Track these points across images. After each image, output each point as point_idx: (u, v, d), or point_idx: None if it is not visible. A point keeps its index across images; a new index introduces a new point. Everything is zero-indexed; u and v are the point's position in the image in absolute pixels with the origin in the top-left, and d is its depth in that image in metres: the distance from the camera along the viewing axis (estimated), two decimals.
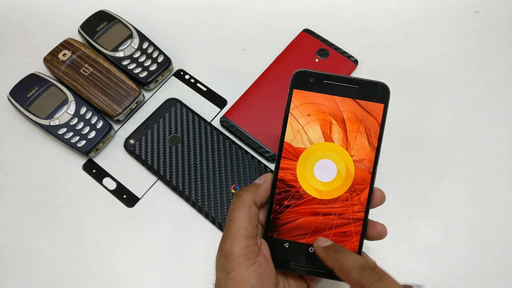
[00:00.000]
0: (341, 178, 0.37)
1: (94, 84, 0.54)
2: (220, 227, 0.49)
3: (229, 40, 0.61)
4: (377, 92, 0.37)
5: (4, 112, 0.56)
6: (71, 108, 0.53)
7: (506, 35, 0.61)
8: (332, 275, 0.36)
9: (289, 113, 0.37)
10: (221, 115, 0.55)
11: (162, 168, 0.51)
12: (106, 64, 0.55)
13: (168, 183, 0.51)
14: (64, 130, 0.52)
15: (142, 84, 0.56)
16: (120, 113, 0.53)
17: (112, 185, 0.52)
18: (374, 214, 0.37)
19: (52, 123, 0.52)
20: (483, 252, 0.49)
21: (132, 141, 0.53)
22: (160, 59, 0.56)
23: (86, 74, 0.54)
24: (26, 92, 0.53)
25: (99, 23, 0.57)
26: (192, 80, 0.58)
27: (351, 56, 0.58)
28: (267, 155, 0.52)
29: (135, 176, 0.52)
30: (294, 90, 0.37)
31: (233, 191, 0.50)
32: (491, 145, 0.54)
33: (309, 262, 0.37)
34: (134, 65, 0.56)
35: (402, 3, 0.63)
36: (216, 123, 0.55)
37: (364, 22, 0.62)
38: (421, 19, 0.62)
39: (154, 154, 0.52)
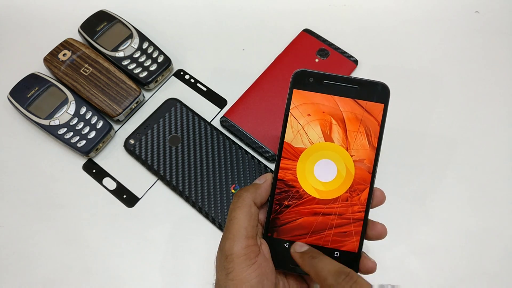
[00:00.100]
0: (341, 178, 0.37)
1: (94, 84, 0.54)
2: (220, 227, 0.49)
3: (229, 40, 0.61)
4: (377, 92, 0.37)
5: (4, 112, 0.56)
6: (71, 108, 0.53)
7: (506, 35, 0.61)
8: None
9: (289, 113, 0.37)
10: (221, 115, 0.55)
11: (162, 168, 0.51)
12: (106, 64, 0.55)
13: (168, 183, 0.51)
14: (64, 130, 0.52)
15: (142, 84, 0.56)
16: (120, 113, 0.53)
17: (112, 185, 0.52)
18: (374, 214, 0.37)
19: (52, 123, 0.52)
20: (483, 252, 0.49)
21: (132, 141, 0.53)
22: (160, 59, 0.56)
23: (86, 74, 0.54)
24: (26, 92, 0.53)
25: (99, 23, 0.57)
26: (192, 80, 0.58)
27: (351, 56, 0.58)
28: (267, 155, 0.52)
29: (135, 176, 0.52)
30: (294, 90, 0.37)
31: (233, 191, 0.50)
32: (491, 145, 0.54)
33: None
34: (134, 65, 0.56)
35: (402, 3, 0.63)
36: (216, 123, 0.55)
37: (364, 22, 0.62)
38: (421, 19, 0.62)
39: (154, 154, 0.52)
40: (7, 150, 0.54)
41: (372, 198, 0.37)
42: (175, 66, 0.59)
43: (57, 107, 0.52)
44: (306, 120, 0.37)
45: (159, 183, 0.52)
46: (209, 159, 0.52)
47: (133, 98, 0.54)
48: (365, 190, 0.37)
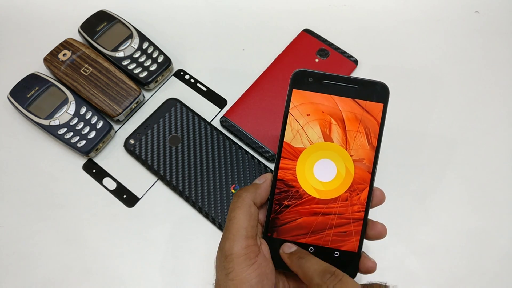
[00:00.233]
0: (341, 178, 0.37)
1: (94, 84, 0.54)
2: (220, 227, 0.49)
3: (229, 40, 0.61)
4: (376, 92, 0.37)
5: (4, 112, 0.56)
6: (71, 108, 0.53)
7: (506, 35, 0.61)
8: None
9: (289, 113, 0.37)
10: (221, 115, 0.55)
11: (162, 168, 0.51)
12: (106, 64, 0.55)
13: (168, 183, 0.51)
14: (64, 130, 0.52)
15: (142, 84, 0.56)
16: (120, 113, 0.53)
17: (112, 185, 0.52)
18: (374, 214, 0.37)
19: (52, 123, 0.52)
20: (483, 252, 0.49)
21: (132, 141, 0.53)
22: (160, 59, 0.56)
23: (86, 74, 0.54)
24: (26, 92, 0.53)
25: (99, 23, 0.57)
26: (192, 80, 0.58)
27: (351, 56, 0.58)
28: (267, 155, 0.52)
29: (135, 176, 0.52)
30: (293, 90, 0.37)
31: (233, 191, 0.50)
32: (491, 145, 0.54)
33: None
34: (134, 65, 0.56)
35: (402, 3, 0.63)
36: (216, 123, 0.55)
37: (364, 22, 0.62)
38: (421, 19, 0.62)
39: (154, 154, 0.52)
40: (7, 150, 0.54)
41: (372, 197, 0.37)
42: (175, 66, 0.59)
43: (57, 107, 0.52)
44: (306, 120, 0.37)
45: (159, 183, 0.52)
46: (209, 159, 0.52)
47: (133, 98, 0.54)
48: (365, 190, 0.37)
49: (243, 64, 0.59)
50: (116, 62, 0.56)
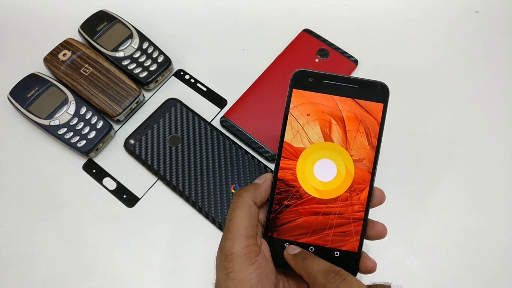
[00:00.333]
0: (341, 178, 0.37)
1: (94, 84, 0.54)
2: (220, 227, 0.49)
3: (229, 40, 0.61)
4: (376, 92, 0.37)
5: (4, 112, 0.56)
6: (71, 108, 0.53)
7: (506, 35, 0.61)
8: None
9: (289, 113, 0.37)
10: (221, 115, 0.55)
11: (162, 168, 0.51)
12: (106, 64, 0.55)
13: (168, 183, 0.51)
14: (64, 130, 0.52)
15: (142, 84, 0.56)
16: (120, 113, 0.53)
17: (112, 185, 0.52)
18: (374, 214, 0.37)
19: (52, 123, 0.52)
20: (483, 252, 0.49)
21: (132, 141, 0.53)
22: (160, 59, 0.56)
23: (86, 74, 0.54)
24: (26, 92, 0.53)
25: (99, 23, 0.57)
26: (192, 80, 0.58)
27: (351, 56, 0.58)
28: (267, 155, 0.52)
29: (135, 176, 0.52)
30: (293, 90, 0.37)
31: (233, 191, 0.50)
32: (491, 145, 0.54)
33: None
34: (134, 65, 0.56)
35: (402, 3, 0.63)
36: (216, 123, 0.55)
37: (364, 22, 0.62)
38: (421, 19, 0.62)
39: (154, 154, 0.52)
40: (7, 150, 0.54)
41: (372, 197, 0.37)
42: (175, 66, 0.59)
43: (57, 107, 0.52)
44: (306, 120, 0.37)
45: (159, 183, 0.52)
46: (209, 159, 0.52)
47: (133, 98, 0.54)
48: (365, 190, 0.37)
49: (243, 64, 0.59)
50: (116, 62, 0.56)
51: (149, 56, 0.56)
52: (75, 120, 0.52)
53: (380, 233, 0.37)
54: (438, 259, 0.49)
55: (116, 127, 0.55)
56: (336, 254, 0.36)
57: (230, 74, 0.58)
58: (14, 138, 0.54)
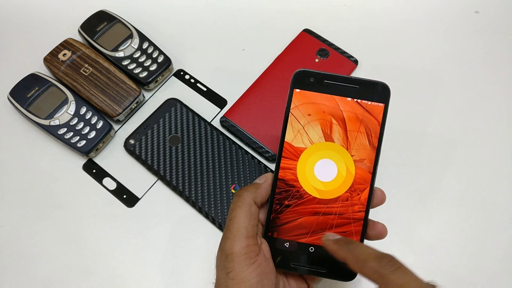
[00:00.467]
0: (342, 178, 0.37)
1: (94, 84, 0.54)
2: (220, 227, 0.49)
3: (229, 40, 0.61)
4: (377, 92, 0.37)
5: (4, 112, 0.56)
6: (71, 108, 0.53)
7: (506, 35, 0.61)
8: (332, 275, 0.36)
9: (290, 113, 0.37)
10: (221, 115, 0.55)
11: (162, 168, 0.51)
12: (106, 64, 0.55)
13: (168, 183, 0.51)
14: (64, 130, 0.52)
15: (142, 84, 0.56)
16: (120, 113, 0.53)
17: (112, 185, 0.52)
18: (374, 214, 0.37)
19: (52, 123, 0.52)
20: (483, 252, 0.49)
21: (132, 141, 0.53)
22: (160, 59, 0.56)
23: (86, 74, 0.54)
24: (26, 92, 0.53)
25: (99, 23, 0.57)
26: (192, 80, 0.58)
27: (351, 56, 0.58)
28: (267, 155, 0.52)
29: (135, 176, 0.52)
30: (294, 89, 0.37)
31: (233, 191, 0.50)
32: (491, 145, 0.54)
33: (309, 261, 0.36)
34: (134, 65, 0.56)
35: (402, 3, 0.63)
36: (216, 123, 0.55)
37: (364, 22, 0.62)
38: (421, 19, 0.62)
39: (154, 154, 0.52)
40: (7, 150, 0.54)
41: (373, 198, 0.37)
42: (175, 66, 0.59)
43: (57, 107, 0.52)
44: (307, 120, 0.37)
45: (159, 183, 0.52)
46: (209, 159, 0.52)
47: (133, 98, 0.54)
48: (366, 190, 0.37)
49: (243, 64, 0.59)
50: (116, 62, 0.55)
51: (149, 56, 0.56)
52: (75, 120, 0.52)
53: (380, 233, 0.37)
54: (438, 259, 0.49)
55: (116, 127, 0.55)
56: None
57: (230, 74, 0.58)
58: (14, 138, 0.54)
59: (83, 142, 0.51)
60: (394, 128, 0.53)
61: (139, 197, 0.51)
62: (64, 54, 0.55)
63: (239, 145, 0.53)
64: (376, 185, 0.37)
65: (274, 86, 0.56)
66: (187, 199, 0.50)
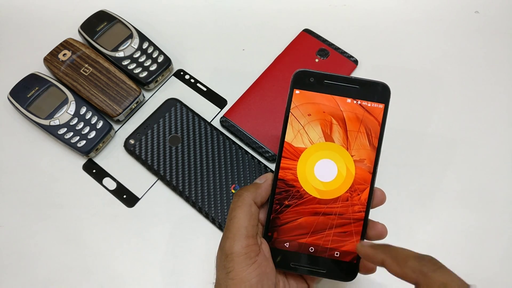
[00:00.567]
0: (342, 178, 0.37)
1: (94, 84, 0.54)
2: (220, 227, 0.49)
3: (229, 40, 0.61)
4: (377, 92, 0.37)
5: (4, 112, 0.56)
6: (71, 108, 0.53)
7: (506, 35, 0.61)
8: (332, 275, 0.36)
9: (290, 113, 0.37)
10: (221, 115, 0.55)
11: (162, 168, 0.51)
12: (106, 64, 0.55)
13: (168, 183, 0.51)
14: (64, 130, 0.52)
15: (142, 84, 0.56)
16: (120, 113, 0.53)
17: (112, 185, 0.52)
18: (374, 214, 0.37)
19: (52, 123, 0.52)
20: (483, 252, 0.49)
21: (132, 141, 0.53)
22: (160, 59, 0.56)
23: (86, 74, 0.54)
24: (26, 92, 0.53)
25: (99, 23, 0.57)
26: (192, 80, 0.58)
27: (351, 56, 0.58)
28: (267, 155, 0.52)
29: (135, 176, 0.52)
30: (294, 89, 0.37)
31: (233, 191, 0.50)
32: (491, 145, 0.54)
33: (309, 261, 0.37)
34: (134, 65, 0.56)
35: (402, 3, 0.63)
36: (216, 123, 0.55)
37: (364, 22, 0.62)
38: (421, 19, 0.62)
39: (154, 154, 0.52)
40: (7, 150, 0.54)
41: (373, 198, 0.37)
42: (175, 66, 0.59)
43: (57, 107, 0.52)
44: (307, 120, 0.37)
45: (159, 183, 0.52)
46: (209, 159, 0.52)
47: (133, 98, 0.54)
48: (366, 190, 0.37)
49: (243, 64, 0.59)
50: (116, 62, 0.55)
51: (149, 56, 0.56)
52: (75, 120, 0.52)
53: (380, 234, 0.37)
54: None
55: (116, 127, 0.55)
56: (336, 254, 0.36)
57: (230, 74, 0.58)
58: (14, 138, 0.54)
59: (83, 142, 0.51)
60: (394, 128, 0.53)
61: (139, 197, 0.51)
62: (64, 54, 0.55)
63: (239, 145, 0.53)
64: (376, 185, 0.37)
65: (274, 86, 0.56)
66: (187, 199, 0.50)
